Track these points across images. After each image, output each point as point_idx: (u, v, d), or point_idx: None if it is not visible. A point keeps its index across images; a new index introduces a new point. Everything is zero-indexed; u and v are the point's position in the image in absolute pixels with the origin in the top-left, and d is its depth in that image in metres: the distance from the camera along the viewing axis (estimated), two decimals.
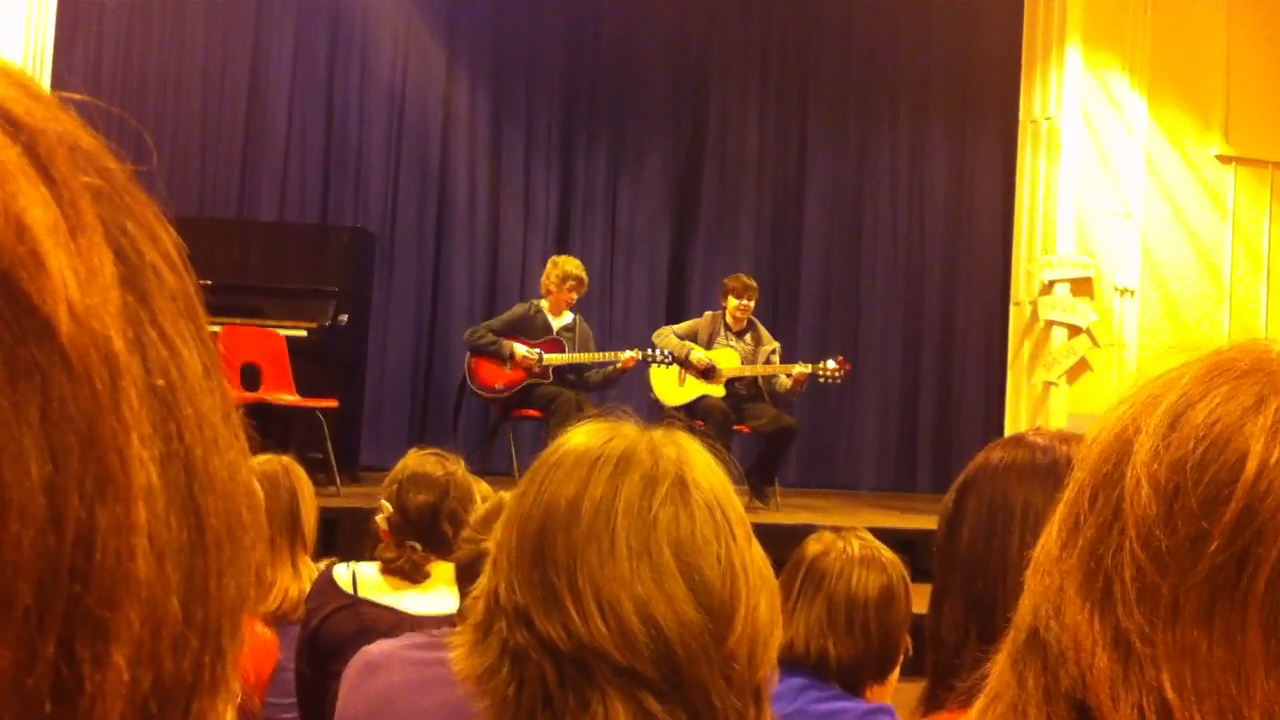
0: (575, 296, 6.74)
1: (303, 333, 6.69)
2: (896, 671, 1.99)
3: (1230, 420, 0.59)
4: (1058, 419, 6.50)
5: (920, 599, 1.57)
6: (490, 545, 1.05)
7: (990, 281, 8.39)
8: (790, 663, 1.87)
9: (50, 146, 0.31)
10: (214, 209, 8.33)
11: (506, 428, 6.89)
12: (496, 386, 6.63)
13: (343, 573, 2.53)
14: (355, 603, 2.47)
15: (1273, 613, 0.56)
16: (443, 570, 2.44)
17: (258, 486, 0.36)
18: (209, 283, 5.83)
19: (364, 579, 2.52)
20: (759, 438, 6.82)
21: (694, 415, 6.45)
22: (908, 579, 2.01)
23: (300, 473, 2.82)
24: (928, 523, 5.21)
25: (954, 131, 8.99)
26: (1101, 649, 0.59)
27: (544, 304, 6.77)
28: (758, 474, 6.68)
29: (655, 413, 6.47)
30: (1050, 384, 6.65)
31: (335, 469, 6.30)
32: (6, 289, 0.29)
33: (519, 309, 6.85)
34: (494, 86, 8.78)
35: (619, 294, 8.88)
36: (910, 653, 2.01)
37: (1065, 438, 1.35)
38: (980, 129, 8.74)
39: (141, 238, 0.33)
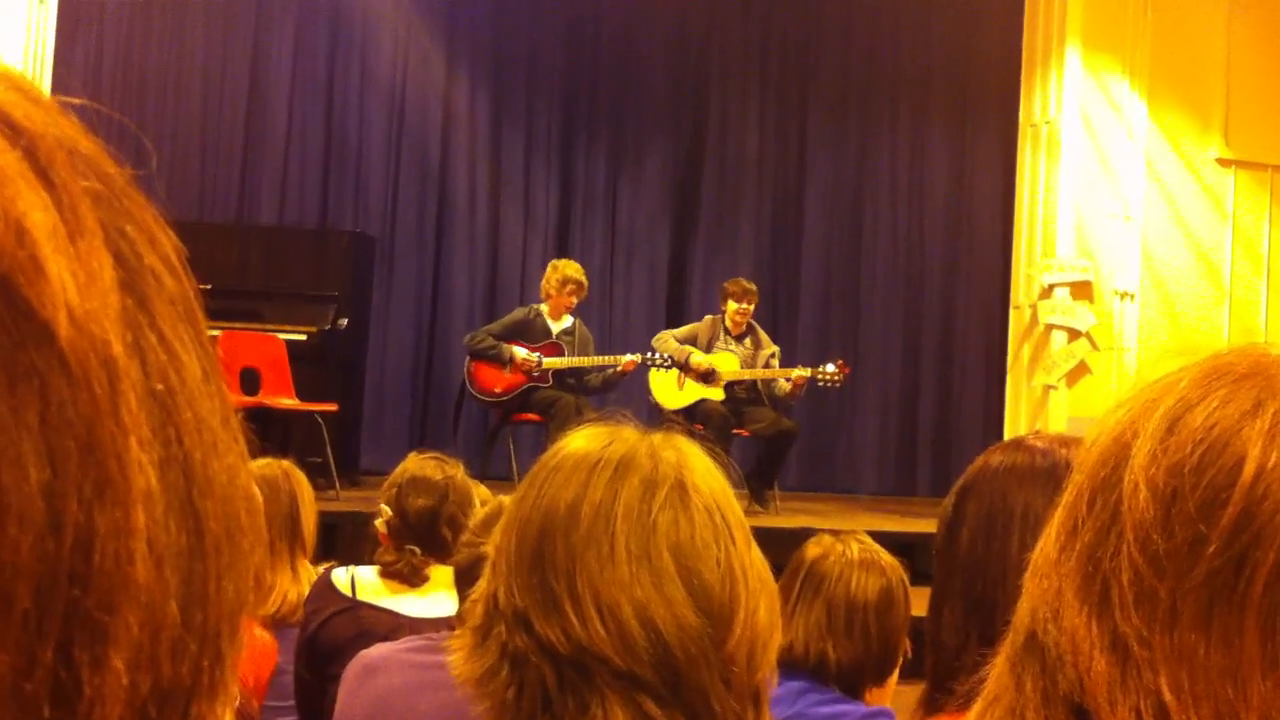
0: (575, 301, 6.74)
1: (302, 336, 6.69)
2: (896, 674, 1.99)
3: (1228, 424, 0.59)
4: (1057, 422, 6.49)
5: (920, 602, 1.57)
6: (489, 549, 1.05)
7: (990, 283, 8.39)
8: (790, 666, 1.87)
9: (50, 151, 0.31)
10: (213, 210, 8.34)
11: (506, 432, 6.89)
12: (496, 390, 6.63)
13: (342, 576, 2.53)
14: (354, 606, 2.47)
15: (1270, 616, 0.56)
16: (441, 574, 2.44)
17: (257, 491, 0.36)
18: (209, 287, 5.83)
19: (363, 582, 2.52)
20: (758, 441, 6.82)
21: (693, 419, 6.45)
22: (907, 582, 2.01)
23: (300, 477, 2.82)
24: (927, 526, 5.21)
25: (954, 132, 8.99)
26: (1099, 652, 0.59)
27: (544, 308, 6.77)
28: (757, 478, 6.67)
29: (654, 417, 6.46)
30: (1050, 387, 6.65)
31: (335, 473, 6.30)
32: (6, 293, 0.29)
33: (518, 313, 6.85)
34: (494, 86, 8.78)
35: (619, 294, 8.88)
36: (909, 655, 2.01)
37: (1065, 441, 1.35)
38: (980, 130, 8.74)
39: (141, 242, 0.33)
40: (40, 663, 0.28)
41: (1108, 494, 0.62)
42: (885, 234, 9.04)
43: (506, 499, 1.37)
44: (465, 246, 8.69)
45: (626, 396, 6.75)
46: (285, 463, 2.83)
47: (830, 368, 6.65)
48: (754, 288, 6.83)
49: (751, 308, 6.79)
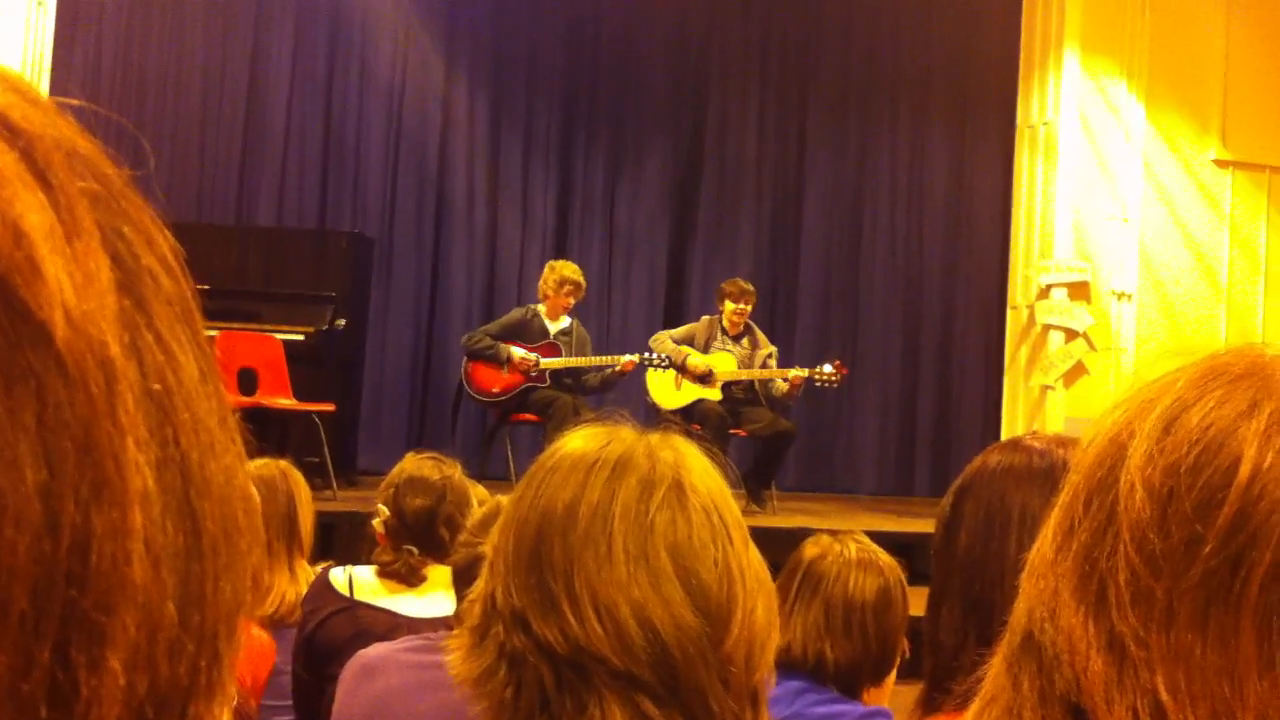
0: (573, 301, 6.74)
1: (300, 337, 6.69)
2: (893, 674, 1.99)
3: (1224, 424, 0.59)
4: (1055, 423, 6.50)
5: (918, 602, 1.57)
6: (487, 549, 1.05)
7: (989, 283, 8.39)
8: (787, 666, 1.87)
9: (47, 151, 0.31)
10: (212, 210, 8.33)
11: (504, 432, 6.89)
12: (493, 390, 6.63)
13: (339, 576, 2.53)
14: (352, 606, 2.47)
15: (1265, 616, 0.56)
16: (439, 574, 2.44)
17: (254, 491, 0.36)
18: (206, 287, 5.81)
19: (360, 582, 2.52)
20: (756, 441, 6.82)
21: (691, 419, 6.45)
22: (904, 582, 2.01)
23: (297, 477, 2.82)
24: (925, 526, 5.19)
25: (953, 133, 8.99)
26: (1096, 652, 0.59)
27: (541, 309, 6.77)
28: (755, 478, 6.67)
29: (652, 417, 6.46)
30: (1047, 387, 6.66)
31: (332, 473, 6.30)
32: (3, 294, 0.29)
33: (516, 313, 6.85)
34: (493, 87, 8.78)
35: (617, 294, 8.88)
36: (907, 655, 2.01)
37: (1062, 441, 1.35)
38: (980, 131, 8.75)
39: (139, 242, 0.33)
40: (37, 663, 0.28)
41: (1104, 494, 0.62)
42: (884, 234, 9.04)
43: (504, 499, 1.37)
44: (464, 247, 8.69)
45: (624, 397, 6.74)
46: (283, 463, 2.83)
47: (827, 368, 6.64)
48: (751, 288, 6.83)
49: (749, 308, 6.79)
